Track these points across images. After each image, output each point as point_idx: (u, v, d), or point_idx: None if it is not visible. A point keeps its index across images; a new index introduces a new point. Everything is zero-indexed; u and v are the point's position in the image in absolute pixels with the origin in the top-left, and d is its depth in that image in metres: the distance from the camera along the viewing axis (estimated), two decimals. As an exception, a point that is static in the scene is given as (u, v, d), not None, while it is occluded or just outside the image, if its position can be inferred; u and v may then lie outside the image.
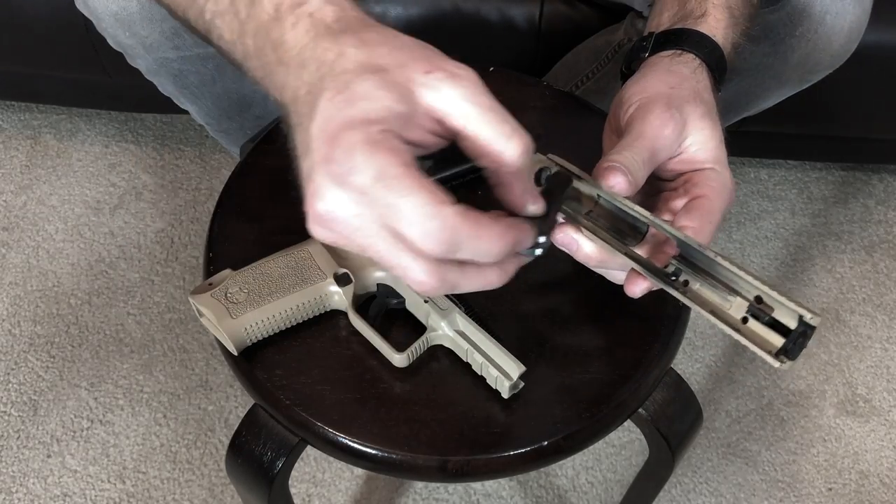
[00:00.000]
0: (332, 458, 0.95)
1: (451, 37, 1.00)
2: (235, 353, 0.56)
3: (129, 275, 1.17)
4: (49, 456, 1.02)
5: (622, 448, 1.06)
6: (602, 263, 0.50)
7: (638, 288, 0.49)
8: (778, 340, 0.43)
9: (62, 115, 1.34)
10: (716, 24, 0.57)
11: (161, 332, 1.12)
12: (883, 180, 1.34)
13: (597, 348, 0.58)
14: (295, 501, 0.76)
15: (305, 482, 1.01)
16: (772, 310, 0.44)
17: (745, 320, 0.45)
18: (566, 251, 0.51)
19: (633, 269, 0.49)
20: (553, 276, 0.61)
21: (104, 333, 1.11)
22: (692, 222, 0.49)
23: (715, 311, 0.46)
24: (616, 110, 0.55)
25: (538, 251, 0.45)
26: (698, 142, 0.51)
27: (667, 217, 0.52)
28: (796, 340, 0.43)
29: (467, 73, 0.40)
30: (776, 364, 0.43)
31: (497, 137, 0.40)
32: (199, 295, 0.55)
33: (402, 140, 0.38)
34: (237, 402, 1.07)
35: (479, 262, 0.40)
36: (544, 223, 0.44)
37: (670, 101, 0.51)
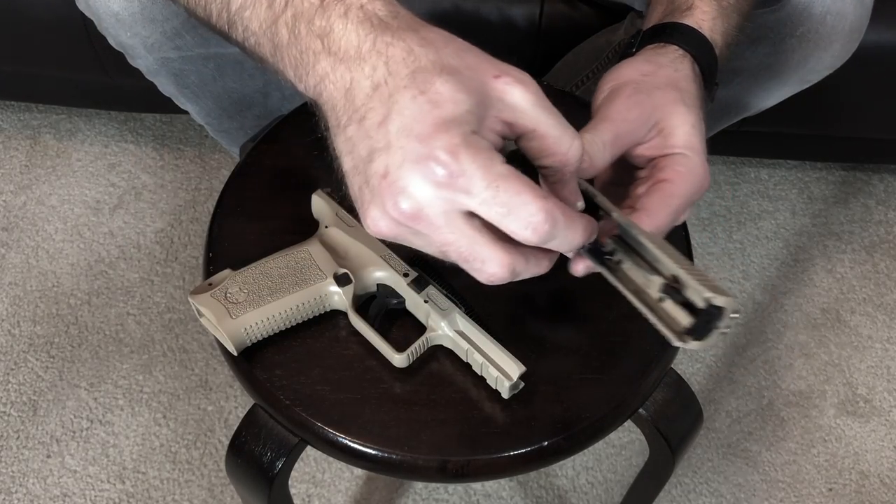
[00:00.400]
0: (332, 458, 0.95)
1: (451, 37, 1.00)
2: (235, 354, 0.56)
3: (129, 275, 1.17)
4: (49, 456, 1.02)
5: (622, 448, 1.06)
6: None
7: (580, 266, 0.49)
8: (686, 319, 0.43)
9: (62, 115, 1.34)
10: (702, 17, 0.57)
11: (161, 332, 1.12)
12: (883, 180, 1.34)
13: (597, 348, 0.58)
14: (295, 501, 0.76)
15: (305, 482, 1.01)
16: (685, 288, 0.43)
17: (661, 300, 0.45)
18: None
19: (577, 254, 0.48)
20: (553, 276, 0.61)
21: (104, 333, 1.11)
22: (648, 205, 0.49)
23: (637, 291, 0.46)
24: (593, 102, 0.55)
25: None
26: (668, 127, 0.51)
27: (627, 202, 0.52)
28: (705, 322, 0.43)
29: (530, 79, 0.42)
30: (676, 342, 0.43)
31: (563, 138, 0.42)
32: (199, 295, 0.55)
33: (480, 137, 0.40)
34: (237, 402, 1.07)
35: (546, 252, 0.44)
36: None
37: (639, 87, 0.51)
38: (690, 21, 0.57)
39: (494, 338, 0.54)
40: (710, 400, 1.10)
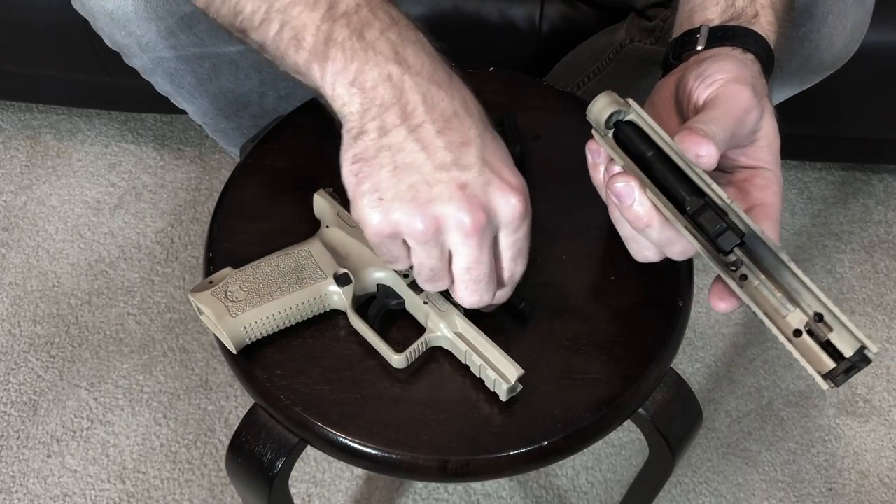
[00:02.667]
0: (332, 458, 0.95)
1: (451, 37, 1.00)
2: (234, 352, 0.56)
3: (129, 275, 1.17)
4: (49, 456, 1.02)
5: (622, 448, 1.06)
6: (646, 229, 0.48)
7: (725, 304, 0.46)
8: (829, 363, 0.42)
9: (62, 115, 1.34)
10: (768, 27, 0.55)
11: (161, 332, 1.12)
12: (883, 180, 1.34)
13: (597, 348, 0.58)
14: (295, 501, 0.76)
15: (305, 482, 1.01)
16: (830, 330, 0.42)
17: (797, 333, 0.43)
18: (615, 204, 0.48)
19: (720, 282, 0.46)
20: (552, 276, 0.61)
21: (104, 333, 1.11)
22: (769, 231, 0.47)
23: (769, 315, 0.44)
24: (685, 87, 0.52)
25: None
26: (767, 138, 0.50)
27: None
28: (849, 368, 0.41)
29: (521, 203, 0.47)
30: (825, 386, 0.42)
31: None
32: (199, 293, 0.55)
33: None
34: (237, 402, 1.07)
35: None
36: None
37: (756, 91, 0.50)
38: (759, 29, 0.55)
39: (493, 338, 0.54)
40: (709, 400, 1.10)
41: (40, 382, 1.07)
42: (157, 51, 0.75)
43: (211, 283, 0.55)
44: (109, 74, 1.10)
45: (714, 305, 0.47)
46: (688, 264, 0.62)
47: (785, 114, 0.91)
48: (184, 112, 0.88)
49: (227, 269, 0.56)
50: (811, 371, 0.42)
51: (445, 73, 0.49)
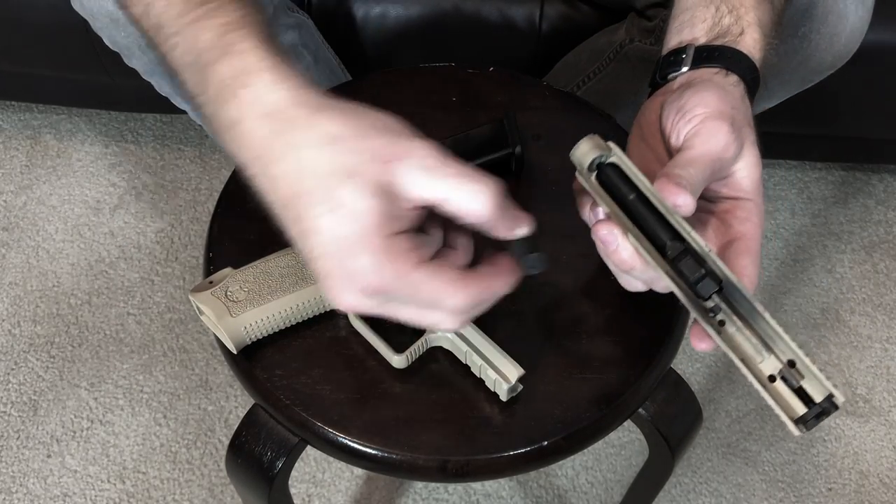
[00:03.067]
0: (332, 458, 0.95)
1: (451, 37, 1.00)
2: (234, 352, 0.56)
3: (129, 275, 1.17)
4: (49, 456, 1.02)
5: (622, 448, 1.06)
6: (631, 272, 0.50)
7: (705, 345, 0.48)
8: (800, 408, 0.44)
9: (62, 115, 1.34)
10: (753, 45, 0.55)
11: (161, 332, 1.12)
12: (883, 180, 1.34)
13: (597, 348, 0.58)
14: (295, 501, 0.76)
15: (305, 482, 1.01)
16: (802, 377, 0.44)
17: (772, 378, 0.45)
18: (600, 247, 0.50)
19: (698, 324, 0.47)
20: (552, 277, 0.61)
21: (104, 333, 1.11)
22: (743, 269, 0.48)
23: (745, 360, 0.46)
24: (667, 119, 0.53)
25: (537, 270, 0.47)
26: (747, 168, 0.51)
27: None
28: (818, 414, 0.43)
29: (426, 150, 0.42)
30: (796, 432, 0.44)
31: (472, 199, 0.43)
32: (199, 293, 0.55)
33: (398, 234, 0.42)
34: (237, 402, 1.07)
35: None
36: (530, 242, 0.46)
37: (734, 123, 0.50)
38: (744, 48, 0.55)
39: (493, 338, 0.54)
40: (709, 400, 1.10)
41: (40, 382, 1.07)
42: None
43: (211, 283, 0.55)
44: (109, 74, 1.10)
45: (694, 345, 0.48)
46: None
47: (785, 114, 0.91)
48: (184, 112, 0.88)
49: (228, 269, 0.56)
50: (783, 417, 0.44)
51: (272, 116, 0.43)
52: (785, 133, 1.21)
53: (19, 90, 1.27)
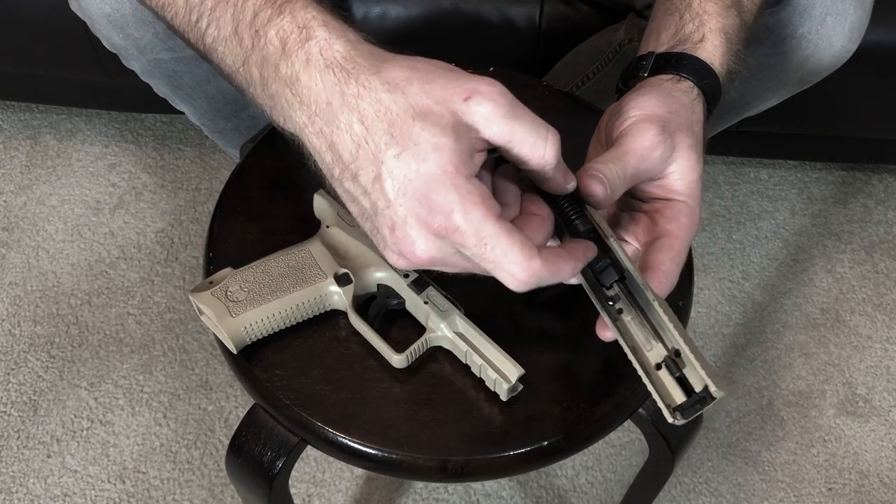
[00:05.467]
0: (332, 458, 0.95)
1: (451, 37, 1.00)
2: (235, 352, 0.56)
3: (129, 275, 1.17)
4: (49, 456, 1.02)
5: (622, 448, 1.06)
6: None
7: (608, 333, 0.50)
8: (679, 397, 0.46)
9: (62, 115, 1.34)
10: (713, 51, 0.56)
11: (161, 332, 1.12)
12: (883, 180, 1.34)
13: (597, 348, 0.58)
14: (295, 501, 0.76)
15: (305, 482, 1.01)
16: (684, 366, 0.46)
17: (658, 367, 0.47)
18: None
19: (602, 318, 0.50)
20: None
21: (104, 333, 1.11)
22: (659, 264, 0.50)
23: (635, 349, 0.48)
24: (610, 121, 0.55)
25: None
26: (680, 171, 0.52)
27: (629, 239, 0.54)
28: (694, 403, 0.45)
29: (498, 91, 0.42)
30: (670, 419, 0.46)
31: (537, 144, 0.43)
32: (200, 293, 0.55)
33: (476, 177, 0.42)
34: (237, 402, 1.07)
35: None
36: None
37: (666, 126, 0.51)
38: (703, 55, 0.56)
39: (494, 338, 0.54)
40: (709, 400, 1.10)
41: (40, 382, 1.07)
42: (155, 52, 0.75)
43: (211, 283, 0.55)
44: (109, 74, 1.10)
45: (598, 334, 0.51)
46: (688, 265, 0.62)
47: (785, 114, 0.91)
48: (183, 113, 0.88)
49: (228, 269, 0.56)
50: (659, 403, 0.46)
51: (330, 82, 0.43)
52: (785, 133, 1.21)
53: (19, 90, 1.27)
